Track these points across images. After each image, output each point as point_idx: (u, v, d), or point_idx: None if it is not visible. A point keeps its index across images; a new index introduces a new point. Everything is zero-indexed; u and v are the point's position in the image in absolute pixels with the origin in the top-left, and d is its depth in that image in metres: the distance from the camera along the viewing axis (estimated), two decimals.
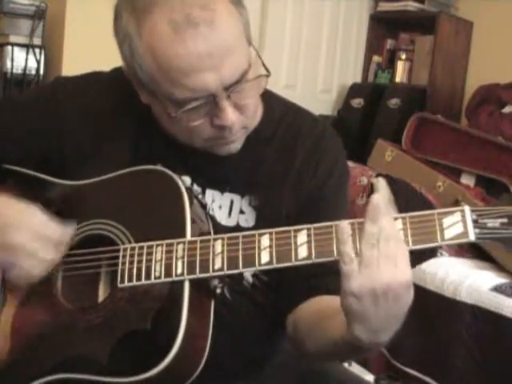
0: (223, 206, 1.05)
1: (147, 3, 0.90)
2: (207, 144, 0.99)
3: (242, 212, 1.05)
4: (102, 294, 0.99)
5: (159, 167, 1.00)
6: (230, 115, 0.92)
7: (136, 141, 1.06)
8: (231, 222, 1.05)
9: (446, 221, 0.83)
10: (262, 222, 1.02)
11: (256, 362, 1.11)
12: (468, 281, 2.27)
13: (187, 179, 1.05)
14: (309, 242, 0.86)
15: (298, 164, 1.06)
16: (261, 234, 0.88)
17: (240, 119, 0.95)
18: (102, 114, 1.07)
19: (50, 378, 0.92)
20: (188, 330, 0.87)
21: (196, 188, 1.05)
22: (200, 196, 1.05)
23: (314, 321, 0.97)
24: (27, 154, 1.08)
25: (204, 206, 1.03)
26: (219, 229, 1.01)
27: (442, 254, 2.54)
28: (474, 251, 2.55)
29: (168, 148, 1.03)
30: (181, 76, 0.89)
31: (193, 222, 0.93)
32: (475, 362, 2.17)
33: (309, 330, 0.98)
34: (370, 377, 1.96)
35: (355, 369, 1.94)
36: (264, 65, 0.96)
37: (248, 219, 1.05)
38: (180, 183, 0.96)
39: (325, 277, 0.95)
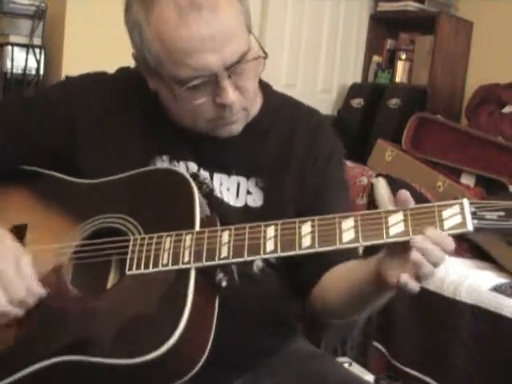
0: (231, 188, 1.10)
1: None
2: (210, 125, 1.05)
3: (249, 193, 1.10)
4: (111, 281, 1.01)
5: (170, 167, 1.07)
6: (231, 94, 0.99)
7: (145, 132, 1.10)
8: (239, 203, 1.10)
9: (446, 213, 0.87)
10: (269, 202, 1.09)
11: (257, 356, 1.12)
12: (468, 281, 2.27)
13: (193, 165, 1.10)
14: (312, 232, 0.90)
15: (297, 156, 1.12)
16: (267, 225, 0.92)
17: (240, 99, 1.02)
18: (110, 111, 1.12)
19: (53, 360, 0.93)
20: (191, 318, 0.88)
21: (203, 173, 1.10)
22: (208, 180, 1.10)
23: (340, 286, 1.04)
24: (38, 153, 1.12)
25: (211, 192, 1.07)
26: (228, 210, 1.08)
27: None
28: (473, 251, 2.55)
29: (176, 136, 1.09)
30: (184, 57, 0.96)
31: (201, 218, 0.97)
32: (475, 362, 2.17)
33: (338, 296, 1.05)
34: (370, 377, 1.96)
35: (355, 369, 1.94)
36: (262, 48, 1.03)
37: (256, 199, 1.10)
38: (190, 181, 1.00)
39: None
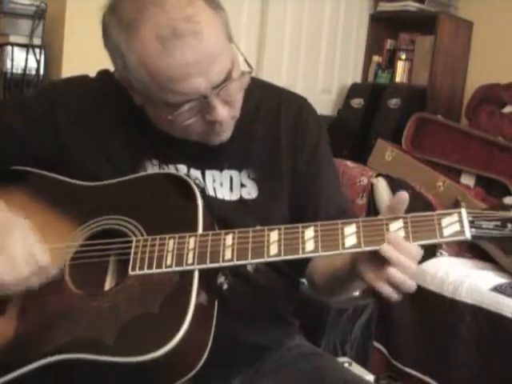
0: (224, 182, 1.11)
1: (133, 18, 0.95)
2: (201, 137, 1.06)
3: (243, 186, 1.12)
4: (109, 281, 1.01)
5: (173, 171, 1.08)
6: (221, 111, 1.00)
7: (130, 135, 1.11)
8: (234, 196, 1.11)
9: (445, 221, 0.90)
10: (264, 193, 1.11)
11: (255, 352, 1.12)
12: (468, 281, 2.28)
13: (183, 167, 1.10)
14: (316, 236, 0.92)
15: (285, 143, 1.14)
16: (270, 229, 0.94)
17: (229, 112, 1.02)
18: (93, 115, 1.11)
19: (55, 357, 0.92)
20: (193, 320, 0.89)
21: (194, 172, 1.11)
22: (199, 179, 1.10)
23: (321, 271, 1.10)
24: (27, 156, 1.11)
25: (203, 191, 1.07)
26: (223, 205, 1.09)
27: (441, 254, 2.55)
28: (473, 251, 2.56)
29: (162, 140, 1.08)
30: (172, 84, 0.96)
31: (204, 223, 0.97)
32: (475, 362, 2.18)
33: (322, 278, 1.11)
34: (370, 377, 1.96)
35: (355, 369, 1.94)
36: (246, 61, 1.04)
37: (250, 192, 1.12)
38: (193, 185, 1.01)
39: None
